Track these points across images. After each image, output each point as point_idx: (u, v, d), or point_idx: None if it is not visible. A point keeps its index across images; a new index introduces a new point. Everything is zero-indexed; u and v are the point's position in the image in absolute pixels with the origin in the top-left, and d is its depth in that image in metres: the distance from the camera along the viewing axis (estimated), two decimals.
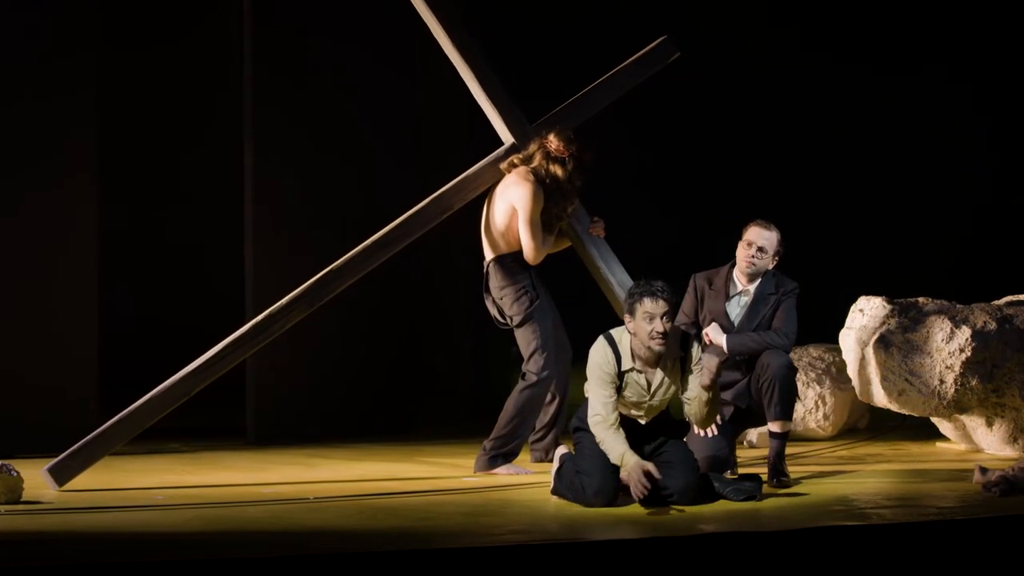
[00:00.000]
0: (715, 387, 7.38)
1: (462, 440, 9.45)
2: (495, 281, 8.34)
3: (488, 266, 8.38)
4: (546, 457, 8.52)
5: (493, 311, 8.43)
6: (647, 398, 7.41)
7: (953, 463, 8.74)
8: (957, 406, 8.80)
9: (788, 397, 7.90)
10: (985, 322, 8.78)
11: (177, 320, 12.27)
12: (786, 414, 7.91)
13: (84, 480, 7.81)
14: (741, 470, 8.03)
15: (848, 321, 9.10)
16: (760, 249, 8.05)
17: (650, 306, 7.27)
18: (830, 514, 7.19)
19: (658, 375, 7.37)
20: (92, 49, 9.10)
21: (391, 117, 9.90)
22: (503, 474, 8.21)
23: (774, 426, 7.92)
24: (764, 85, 14.55)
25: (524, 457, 8.52)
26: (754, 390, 7.98)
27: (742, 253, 8.08)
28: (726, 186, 14.14)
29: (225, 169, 11.76)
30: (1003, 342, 8.77)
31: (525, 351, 8.33)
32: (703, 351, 7.95)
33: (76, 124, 9.04)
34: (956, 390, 8.72)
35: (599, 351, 7.39)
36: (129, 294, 11.97)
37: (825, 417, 9.56)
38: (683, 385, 7.42)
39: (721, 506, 7.33)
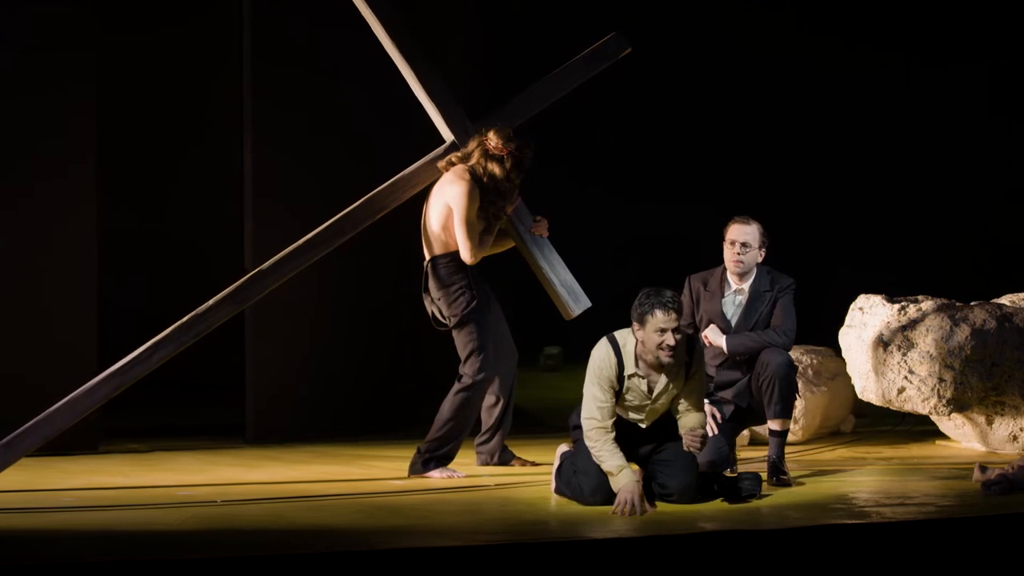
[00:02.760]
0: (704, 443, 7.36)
1: None
2: (433, 282, 8.18)
3: (426, 267, 8.23)
4: (492, 460, 8.42)
5: (432, 312, 8.26)
6: (649, 402, 7.38)
7: (953, 461, 8.74)
8: (957, 404, 8.80)
9: (788, 395, 7.90)
10: (985, 320, 8.78)
11: (177, 319, 12.24)
12: (786, 412, 7.91)
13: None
14: (740, 468, 8.03)
15: (848, 319, 9.10)
16: (744, 245, 8.02)
17: (662, 319, 7.19)
18: (830, 512, 7.20)
19: (661, 380, 7.34)
20: (92, 44, 9.09)
21: (394, 111, 9.87)
22: (436, 478, 8.06)
23: (774, 424, 7.92)
24: (768, 81, 14.55)
25: (469, 460, 8.41)
26: (754, 388, 7.97)
27: (728, 254, 8.04)
28: (729, 183, 14.14)
29: (225, 166, 11.76)
30: (1002, 340, 8.76)
31: (462, 353, 8.16)
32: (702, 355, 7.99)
33: (75, 122, 9.02)
34: (956, 388, 8.71)
35: (601, 353, 7.33)
36: (129, 293, 11.97)
37: (795, 421, 9.40)
38: (683, 391, 7.38)
39: (720, 504, 7.32)
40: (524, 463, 8.46)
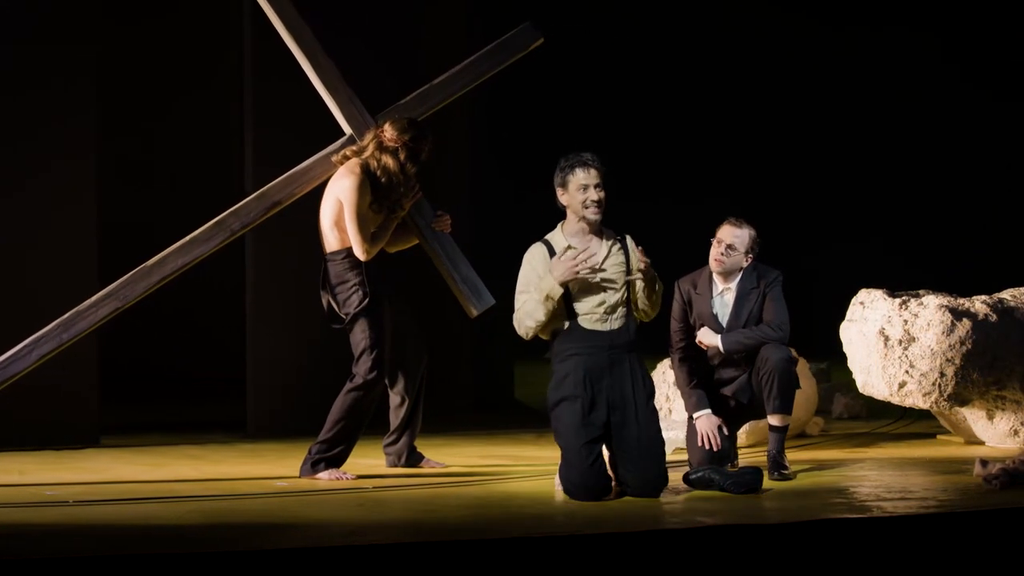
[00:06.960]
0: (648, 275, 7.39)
1: (463, 434, 9.48)
2: (329, 278, 8.01)
3: (324, 262, 8.06)
4: (400, 462, 8.27)
5: (327, 309, 8.07)
6: (600, 275, 7.34)
7: (954, 456, 8.74)
8: (958, 399, 8.80)
9: (788, 390, 7.88)
10: (986, 314, 8.77)
11: (177, 317, 12.26)
12: (785, 408, 7.89)
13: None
14: (741, 463, 8.03)
15: (849, 314, 9.10)
16: (730, 247, 7.97)
17: (583, 177, 7.36)
18: (831, 507, 7.20)
19: (601, 249, 7.38)
20: (93, 36, 9.08)
21: (395, 86, 9.83)
22: (325, 479, 7.85)
23: (774, 419, 7.91)
24: (769, 78, 14.56)
25: (377, 461, 8.34)
26: (754, 384, 7.97)
27: (713, 251, 7.98)
28: (730, 181, 14.15)
29: (224, 162, 11.76)
30: (1004, 334, 8.76)
31: (355, 351, 7.97)
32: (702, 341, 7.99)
33: (75, 115, 9.03)
34: (957, 383, 8.71)
35: (531, 252, 7.44)
36: None
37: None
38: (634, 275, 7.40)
39: (721, 499, 7.33)
40: (435, 465, 8.32)
